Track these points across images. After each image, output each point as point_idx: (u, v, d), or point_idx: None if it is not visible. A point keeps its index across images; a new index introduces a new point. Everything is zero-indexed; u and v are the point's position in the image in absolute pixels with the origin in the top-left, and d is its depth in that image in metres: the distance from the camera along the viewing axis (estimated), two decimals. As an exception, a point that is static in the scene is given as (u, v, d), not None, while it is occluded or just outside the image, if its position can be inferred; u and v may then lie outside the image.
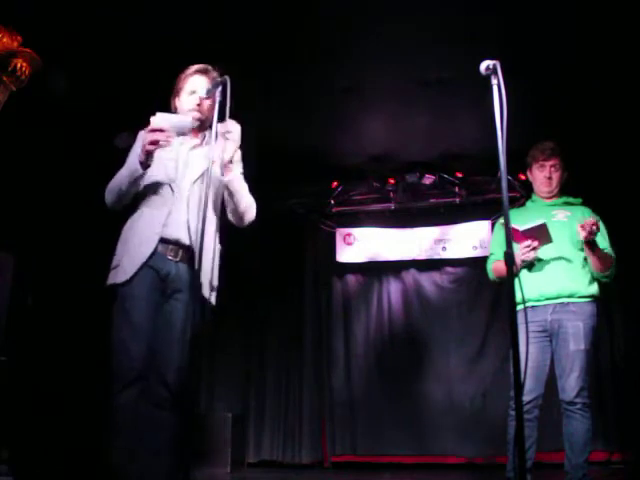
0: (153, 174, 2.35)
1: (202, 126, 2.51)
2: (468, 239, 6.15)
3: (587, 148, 4.99)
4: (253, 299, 6.41)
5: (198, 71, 2.54)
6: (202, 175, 2.37)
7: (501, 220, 2.94)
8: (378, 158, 5.78)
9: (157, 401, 2.24)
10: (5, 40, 3.24)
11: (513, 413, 2.73)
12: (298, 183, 6.13)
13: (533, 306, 2.94)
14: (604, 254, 2.93)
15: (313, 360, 6.25)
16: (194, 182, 2.39)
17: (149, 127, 2.25)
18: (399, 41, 3.98)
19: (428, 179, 5.90)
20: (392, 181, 6.01)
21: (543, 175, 3.07)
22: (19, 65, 3.26)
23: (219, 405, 6.16)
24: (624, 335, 5.70)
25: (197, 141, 2.50)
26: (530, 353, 2.70)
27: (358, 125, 5.16)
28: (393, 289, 6.40)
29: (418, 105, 4.83)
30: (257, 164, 5.44)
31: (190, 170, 2.41)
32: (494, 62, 2.04)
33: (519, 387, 1.73)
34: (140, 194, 2.40)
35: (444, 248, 6.24)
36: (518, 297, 2.70)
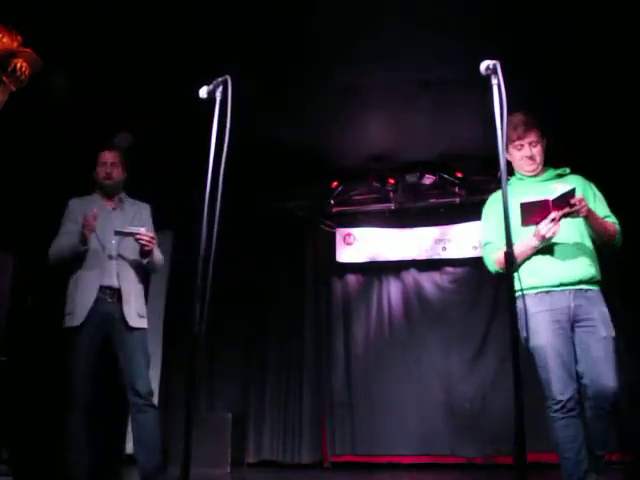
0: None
1: (115, 190, 3.33)
2: (468, 239, 6.15)
3: (588, 147, 4.99)
4: (253, 299, 6.42)
5: (105, 147, 3.36)
6: (121, 233, 3.12)
7: (496, 195, 2.78)
8: (378, 158, 5.78)
9: (138, 408, 3.05)
10: (5, 40, 3.23)
11: (555, 415, 2.50)
12: (298, 183, 6.13)
13: (549, 291, 2.60)
14: (603, 222, 2.66)
15: (313, 360, 6.25)
16: (117, 239, 3.17)
17: (89, 219, 3.01)
18: (399, 41, 3.98)
19: (428, 179, 5.90)
20: (392, 181, 6.00)
21: (523, 154, 2.74)
22: (19, 65, 3.25)
23: (219, 405, 6.16)
24: (624, 334, 5.69)
25: (113, 204, 3.32)
26: (556, 346, 2.50)
27: (358, 125, 5.16)
28: (393, 289, 6.40)
29: (418, 105, 4.83)
30: (257, 164, 5.48)
31: (115, 227, 3.16)
32: (494, 62, 2.04)
33: (519, 386, 1.73)
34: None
35: (444, 248, 6.24)
36: (527, 283, 2.55)
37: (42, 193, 4.66)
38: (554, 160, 2.90)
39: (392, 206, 6.28)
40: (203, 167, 2.36)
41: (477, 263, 6.09)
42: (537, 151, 2.75)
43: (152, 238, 3.12)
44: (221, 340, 6.14)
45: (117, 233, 3.11)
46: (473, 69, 2.10)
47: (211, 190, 2.33)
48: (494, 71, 2.03)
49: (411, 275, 6.39)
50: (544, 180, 2.79)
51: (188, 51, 4.00)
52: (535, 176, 2.79)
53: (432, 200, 6.22)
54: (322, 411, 6.12)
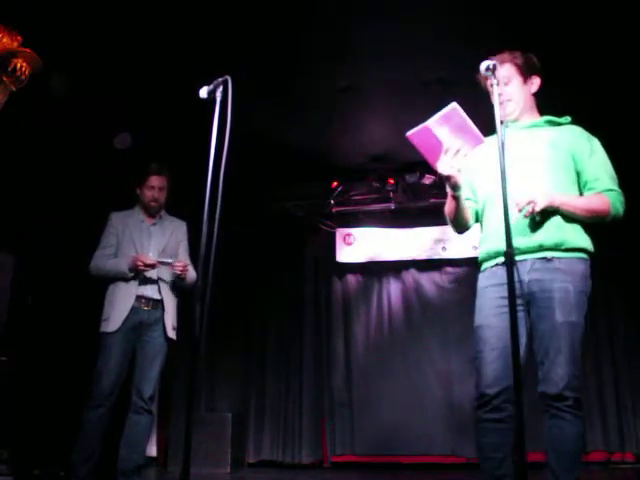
0: (128, 252, 3.33)
1: (157, 211, 3.51)
2: (468, 239, 6.14)
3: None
4: (253, 299, 6.42)
5: (155, 172, 3.48)
6: (161, 248, 3.41)
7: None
8: (378, 158, 5.78)
9: (136, 408, 3.23)
10: (5, 40, 3.23)
11: (479, 413, 2.17)
12: (298, 183, 6.13)
13: (505, 262, 1.94)
14: (579, 205, 2.11)
15: (313, 360, 6.25)
16: (157, 252, 3.40)
17: (144, 261, 3.25)
18: (399, 41, 3.98)
19: (428, 179, 5.89)
20: (392, 181, 6.00)
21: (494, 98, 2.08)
22: (19, 65, 3.25)
23: (219, 405, 6.16)
24: (625, 331, 5.68)
25: (154, 220, 3.51)
26: (495, 327, 2.15)
27: (358, 125, 5.16)
28: (393, 289, 6.40)
29: (418, 105, 4.82)
30: (257, 164, 5.48)
31: (153, 242, 3.43)
32: (494, 62, 2.03)
33: (519, 386, 1.73)
34: None
35: (444, 248, 6.24)
36: (480, 253, 2.30)
37: (42, 193, 4.66)
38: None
39: (392, 206, 6.28)
40: (203, 167, 2.36)
41: (477, 263, 6.10)
42: (510, 90, 2.28)
43: (186, 266, 3.32)
44: (221, 340, 6.14)
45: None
46: (473, 69, 2.10)
47: (211, 190, 2.33)
48: (494, 71, 2.03)
49: (411, 275, 6.40)
50: (530, 126, 2.30)
51: (188, 51, 4.00)
52: (516, 120, 2.29)
53: (432, 200, 6.21)
54: (322, 411, 6.12)
